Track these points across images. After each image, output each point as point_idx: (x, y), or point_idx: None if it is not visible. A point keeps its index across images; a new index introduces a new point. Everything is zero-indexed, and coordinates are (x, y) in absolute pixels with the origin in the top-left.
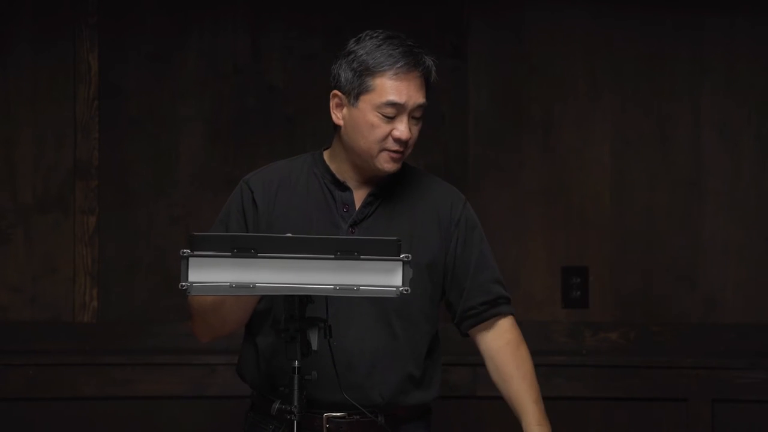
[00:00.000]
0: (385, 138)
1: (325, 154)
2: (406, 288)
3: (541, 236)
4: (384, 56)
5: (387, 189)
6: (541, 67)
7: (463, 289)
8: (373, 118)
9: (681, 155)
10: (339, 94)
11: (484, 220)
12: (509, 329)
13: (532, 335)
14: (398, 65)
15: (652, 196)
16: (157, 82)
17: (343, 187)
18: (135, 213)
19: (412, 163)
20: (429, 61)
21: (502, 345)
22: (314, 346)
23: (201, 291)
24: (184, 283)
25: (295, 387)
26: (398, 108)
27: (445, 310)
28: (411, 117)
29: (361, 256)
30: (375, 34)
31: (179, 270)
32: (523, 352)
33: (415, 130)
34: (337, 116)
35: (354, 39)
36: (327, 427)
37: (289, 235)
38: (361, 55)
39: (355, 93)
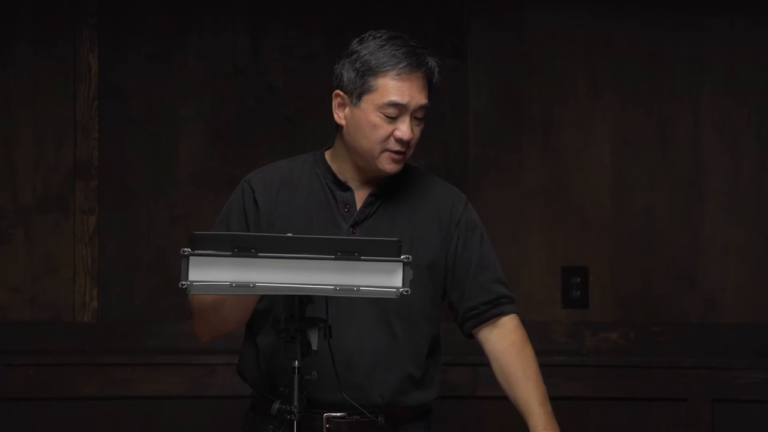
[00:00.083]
0: (387, 138)
1: (327, 154)
2: (406, 289)
3: (541, 236)
4: (387, 56)
5: (388, 189)
6: (541, 67)
7: (464, 289)
8: (375, 118)
9: (681, 155)
10: (341, 93)
11: (485, 220)
12: (514, 330)
13: (532, 335)
14: (401, 66)
15: (652, 196)
16: (157, 82)
17: (345, 187)
18: (135, 213)
19: (412, 163)
20: (432, 61)
21: (506, 346)
22: (314, 346)
23: (201, 290)
24: (184, 282)
25: (295, 387)
26: (400, 108)
27: (447, 310)
28: (413, 117)
29: (362, 257)
30: (378, 35)
31: (179, 270)
32: (529, 353)
33: (417, 130)
34: (340, 116)
35: (357, 39)
36: (327, 428)
37: (290, 234)
38: (364, 55)
39: (357, 93)
